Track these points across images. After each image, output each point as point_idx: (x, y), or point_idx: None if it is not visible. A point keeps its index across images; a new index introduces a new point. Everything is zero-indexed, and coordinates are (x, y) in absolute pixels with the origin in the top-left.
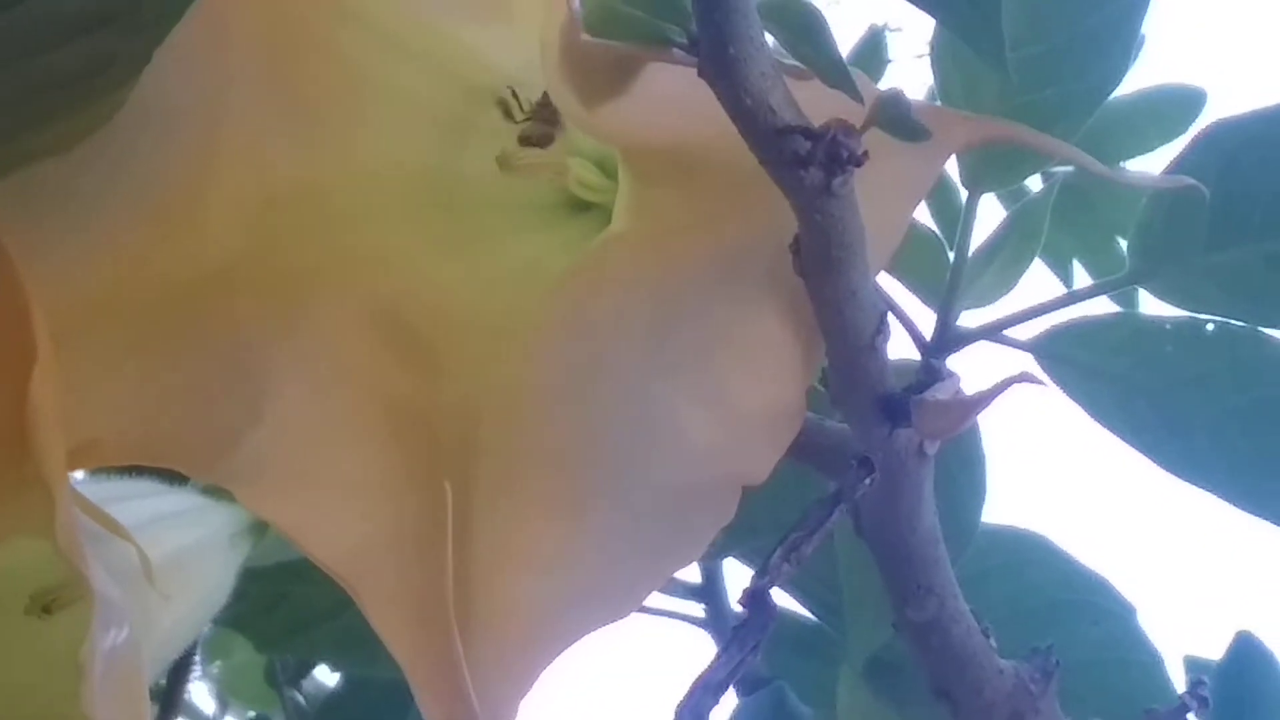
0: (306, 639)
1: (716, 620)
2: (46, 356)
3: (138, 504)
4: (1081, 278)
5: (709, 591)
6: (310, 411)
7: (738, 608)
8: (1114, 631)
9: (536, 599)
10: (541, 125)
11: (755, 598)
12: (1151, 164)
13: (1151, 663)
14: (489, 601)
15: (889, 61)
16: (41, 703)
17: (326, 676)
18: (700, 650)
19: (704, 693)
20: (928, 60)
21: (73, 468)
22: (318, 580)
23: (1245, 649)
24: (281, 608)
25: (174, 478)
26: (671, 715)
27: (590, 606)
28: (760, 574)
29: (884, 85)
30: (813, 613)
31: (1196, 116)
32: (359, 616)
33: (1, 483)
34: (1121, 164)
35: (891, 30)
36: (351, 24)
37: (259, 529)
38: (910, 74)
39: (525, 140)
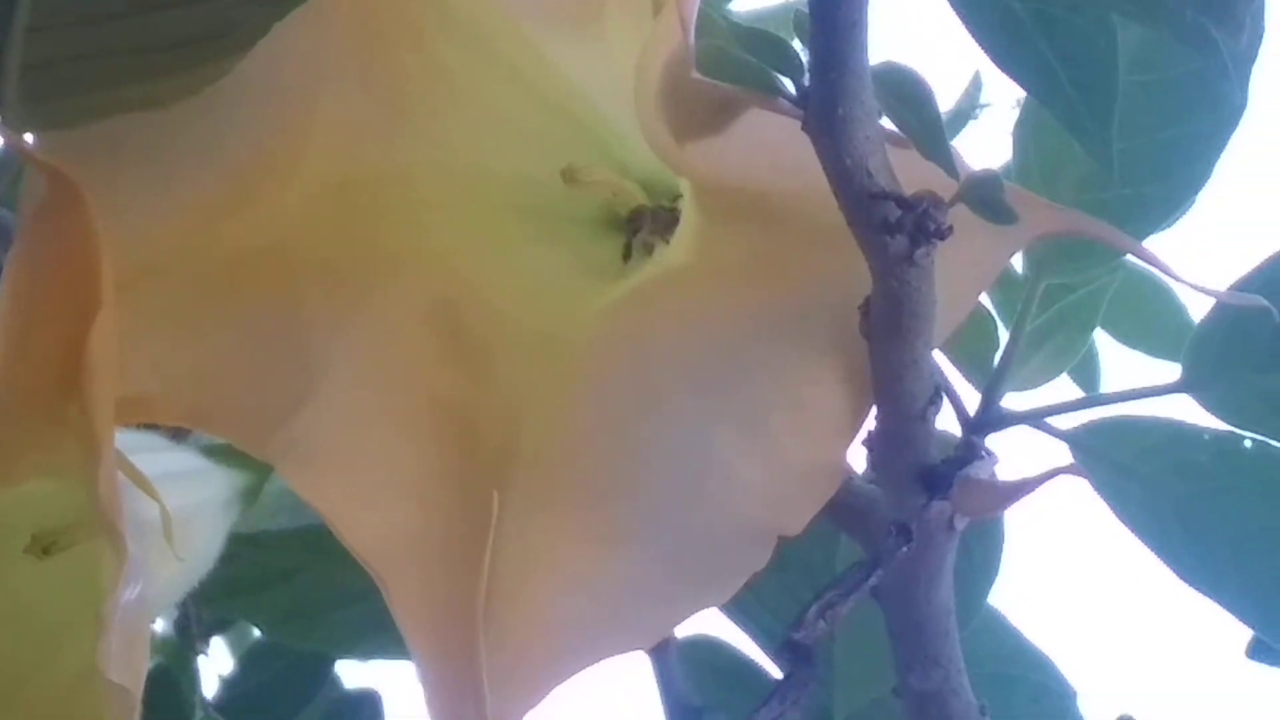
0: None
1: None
2: (109, 306)
3: (145, 458)
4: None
5: None
6: (360, 399)
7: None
8: (1052, 711)
9: (560, 616)
10: None
11: (796, 652)
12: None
13: None
14: (512, 611)
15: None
16: (29, 643)
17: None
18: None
19: None
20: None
21: (117, 420)
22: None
23: None
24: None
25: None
26: None
27: (612, 633)
28: (795, 628)
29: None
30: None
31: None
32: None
33: (40, 423)
34: None
35: (980, 107)
36: (448, 25)
37: (250, 496)
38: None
39: None
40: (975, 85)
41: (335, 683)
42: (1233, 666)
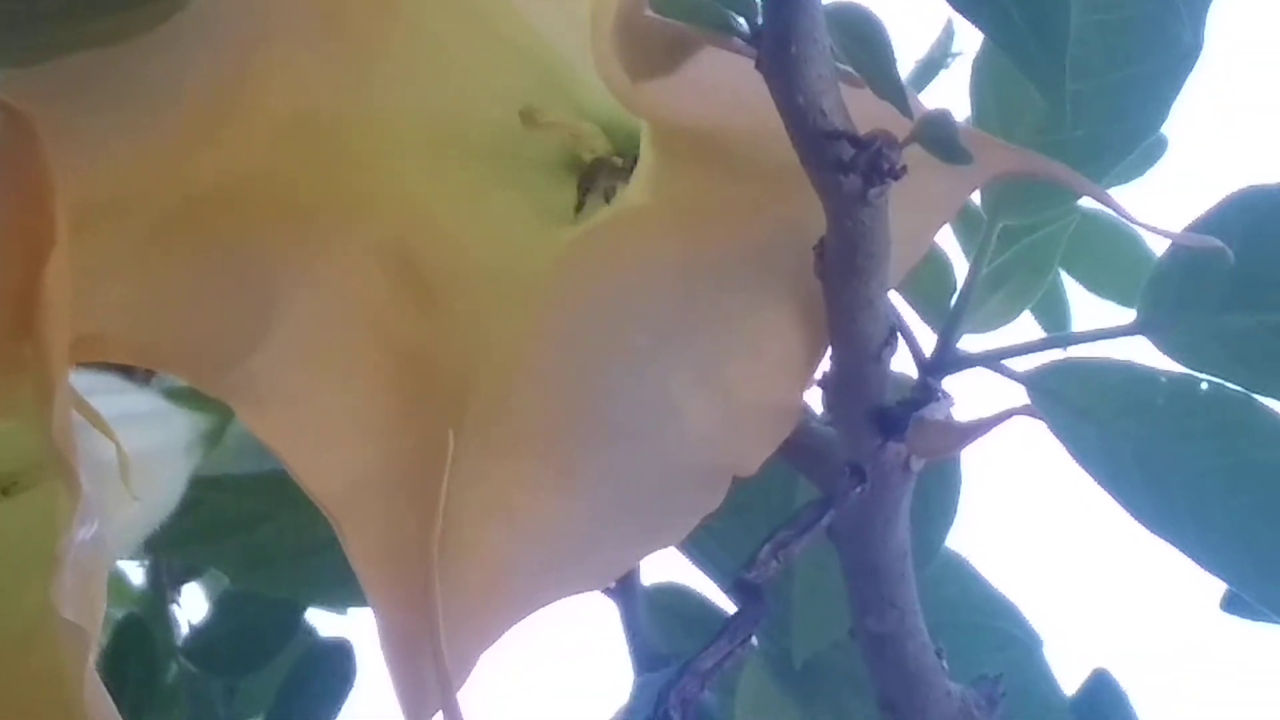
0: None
1: (624, 589)
2: (63, 244)
3: (105, 399)
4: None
5: None
6: (317, 340)
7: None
8: (1018, 659)
9: (514, 558)
10: None
11: (746, 591)
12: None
13: (1051, 695)
14: (467, 554)
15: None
16: None
17: None
18: (604, 615)
19: (692, 680)
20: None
21: (71, 359)
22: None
23: (1099, 687)
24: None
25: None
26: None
27: (567, 574)
28: (748, 567)
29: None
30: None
31: (1157, 159)
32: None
33: None
34: None
35: (951, 56)
36: None
37: (212, 439)
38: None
39: None
40: (947, 34)
41: (309, 631)
42: (1206, 615)
